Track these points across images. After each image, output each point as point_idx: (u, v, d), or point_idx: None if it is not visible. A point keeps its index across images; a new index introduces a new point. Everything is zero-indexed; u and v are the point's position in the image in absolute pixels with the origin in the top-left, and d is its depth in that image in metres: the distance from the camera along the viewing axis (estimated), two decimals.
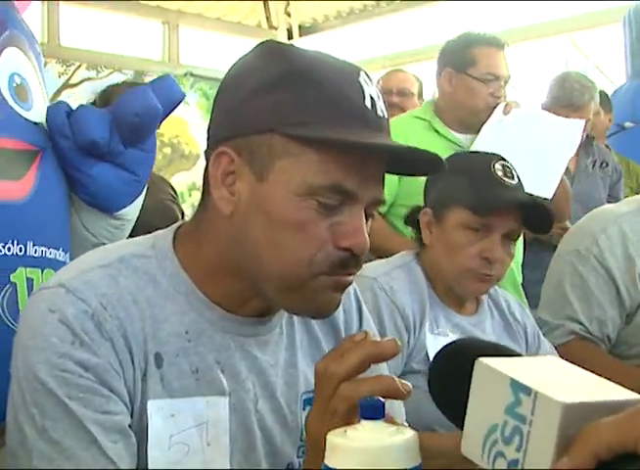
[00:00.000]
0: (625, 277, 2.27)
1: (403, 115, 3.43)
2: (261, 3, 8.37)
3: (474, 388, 0.82)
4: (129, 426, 1.13)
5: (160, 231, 1.28)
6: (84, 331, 1.11)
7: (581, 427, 0.70)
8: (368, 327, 1.43)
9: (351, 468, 0.82)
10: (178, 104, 2.26)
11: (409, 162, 1.21)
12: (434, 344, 2.00)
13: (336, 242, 1.13)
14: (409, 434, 0.86)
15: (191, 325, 1.19)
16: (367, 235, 1.15)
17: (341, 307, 1.39)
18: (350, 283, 1.19)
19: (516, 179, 2.03)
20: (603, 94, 4.60)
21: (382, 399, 0.87)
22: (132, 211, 2.26)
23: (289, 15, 8.41)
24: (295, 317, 1.32)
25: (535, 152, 3.07)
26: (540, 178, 3.04)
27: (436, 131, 3.17)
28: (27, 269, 1.98)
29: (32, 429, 1.09)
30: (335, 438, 0.85)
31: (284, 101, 1.12)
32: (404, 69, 4.58)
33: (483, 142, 3.02)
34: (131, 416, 1.14)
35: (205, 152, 1.21)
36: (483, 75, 3.11)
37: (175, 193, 3.57)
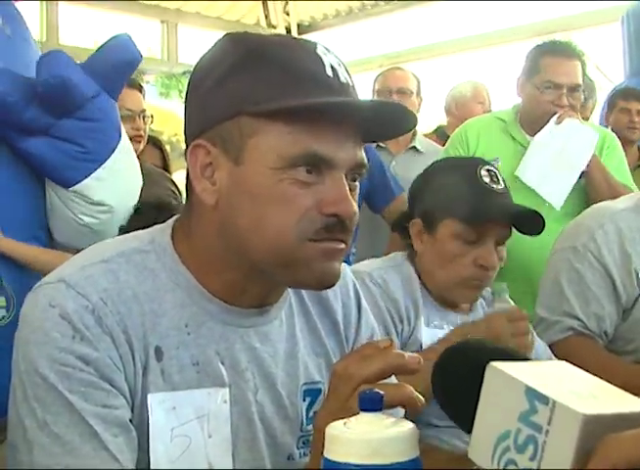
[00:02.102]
0: (622, 273, 2.27)
1: (488, 114, 3.64)
2: (260, 2, 8.37)
3: (485, 392, 0.80)
4: (130, 420, 1.14)
5: (158, 225, 1.29)
6: (85, 326, 1.11)
7: (600, 439, 0.68)
8: (367, 321, 1.44)
9: (350, 460, 0.82)
10: (133, 64, 2.23)
11: (382, 122, 1.20)
12: (430, 337, 2.01)
13: (321, 209, 1.14)
14: (408, 426, 0.86)
15: (190, 318, 1.20)
16: (353, 201, 1.16)
17: (339, 301, 1.40)
18: (342, 252, 1.18)
19: (502, 183, 2.03)
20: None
21: (380, 392, 0.88)
22: (95, 188, 2.22)
23: (287, 13, 8.42)
24: (295, 308, 1.33)
25: (569, 162, 3.18)
26: (558, 187, 3.18)
27: (509, 133, 3.31)
28: None
29: (33, 423, 1.09)
30: (334, 430, 0.85)
31: (247, 84, 1.14)
32: (403, 67, 4.58)
33: (534, 151, 3.15)
34: (132, 410, 1.14)
35: (185, 151, 1.22)
36: (542, 84, 3.23)
37: (177, 188, 3.57)
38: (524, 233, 2.05)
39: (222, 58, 1.19)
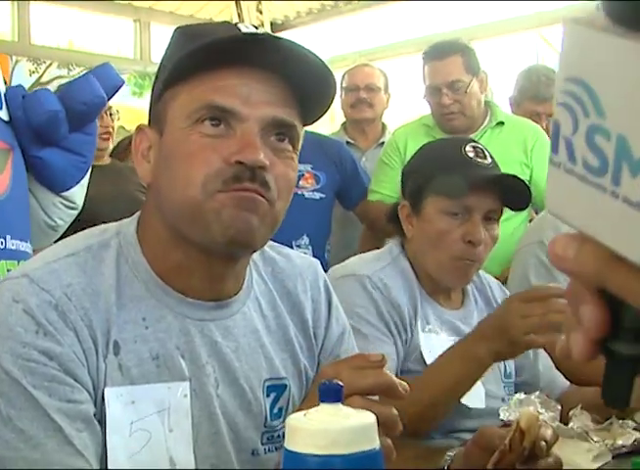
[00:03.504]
0: None
1: (414, 120, 3.72)
2: (233, 0, 8.35)
3: None
4: (94, 415, 1.14)
5: (126, 219, 1.31)
6: (48, 321, 1.12)
7: None
8: (338, 319, 1.45)
9: (310, 451, 0.83)
10: (117, 90, 2.37)
11: (303, 75, 1.19)
12: (426, 342, 1.97)
13: (227, 160, 1.15)
14: (368, 416, 0.87)
15: (148, 311, 1.21)
16: (261, 152, 1.15)
17: (309, 297, 1.40)
18: (257, 203, 1.17)
19: (489, 159, 1.99)
20: None
21: (340, 383, 0.88)
22: (79, 193, 2.35)
23: (260, 12, 8.39)
24: (262, 303, 1.34)
25: None
26: None
27: (433, 136, 3.39)
28: (7, 262, 2.04)
29: None
30: (294, 421, 0.86)
31: (169, 62, 1.20)
32: (376, 64, 4.59)
33: None
34: (95, 404, 1.15)
35: None
36: (427, 90, 3.47)
37: None
38: (511, 208, 2.04)
39: (165, 50, 1.26)
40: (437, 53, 3.45)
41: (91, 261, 1.21)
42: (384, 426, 1.02)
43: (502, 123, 3.41)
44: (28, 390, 1.10)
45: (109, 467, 1.15)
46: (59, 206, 2.31)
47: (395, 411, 1.06)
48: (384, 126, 4.28)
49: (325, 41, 8.22)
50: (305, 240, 3.50)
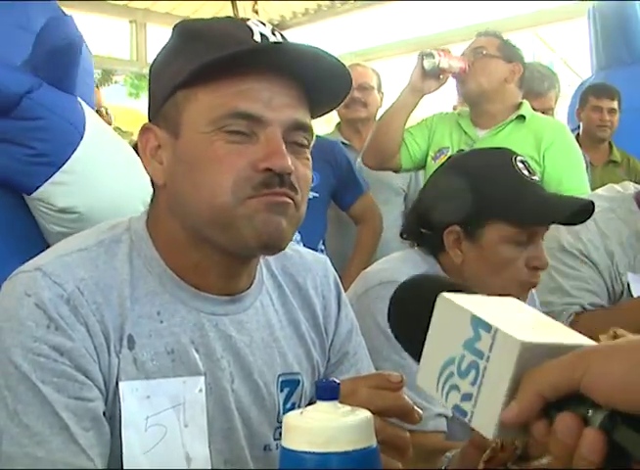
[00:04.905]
0: (610, 270, 2.33)
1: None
2: (229, 1, 8.36)
3: (434, 321, 0.84)
4: (104, 413, 1.13)
5: (134, 215, 1.31)
6: (60, 315, 1.11)
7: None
8: (347, 315, 1.45)
9: (307, 448, 0.83)
10: (71, 47, 1.98)
11: (321, 77, 1.20)
12: None
13: (255, 166, 1.15)
14: (363, 414, 0.86)
15: (163, 306, 1.20)
16: (288, 157, 1.16)
17: (319, 293, 1.40)
18: (287, 206, 1.18)
19: (534, 172, 1.89)
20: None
21: (337, 381, 0.88)
22: (56, 193, 2.02)
23: (257, 12, 8.39)
24: (274, 298, 1.34)
25: None
26: None
27: (461, 126, 3.41)
28: None
29: (3, 412, 1.09)
30: (290, 419, 0.86)
31: (180, 62, 1.19)
32: (372, 65, 4.59)
33: None
34: (106, 401, 1.14)
35: None
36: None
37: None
38: (568, 224, 2.00)
39: (164, 47, 1.24)
40: (482, 33, 3.45)
41: (103, 256, 1.21)
42: (395, 448, 1.02)
43: (523, 117, 3.34)
44: (37, 385, 1.09)
45: (124, 462, 1.14)
46: (41, 209, 2.04)
47: (407, 434, 1.05)
48: None
49: (321, 41, 8.23)
50: (297, 238, 3.48)
